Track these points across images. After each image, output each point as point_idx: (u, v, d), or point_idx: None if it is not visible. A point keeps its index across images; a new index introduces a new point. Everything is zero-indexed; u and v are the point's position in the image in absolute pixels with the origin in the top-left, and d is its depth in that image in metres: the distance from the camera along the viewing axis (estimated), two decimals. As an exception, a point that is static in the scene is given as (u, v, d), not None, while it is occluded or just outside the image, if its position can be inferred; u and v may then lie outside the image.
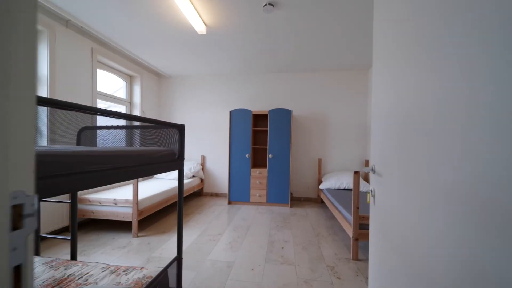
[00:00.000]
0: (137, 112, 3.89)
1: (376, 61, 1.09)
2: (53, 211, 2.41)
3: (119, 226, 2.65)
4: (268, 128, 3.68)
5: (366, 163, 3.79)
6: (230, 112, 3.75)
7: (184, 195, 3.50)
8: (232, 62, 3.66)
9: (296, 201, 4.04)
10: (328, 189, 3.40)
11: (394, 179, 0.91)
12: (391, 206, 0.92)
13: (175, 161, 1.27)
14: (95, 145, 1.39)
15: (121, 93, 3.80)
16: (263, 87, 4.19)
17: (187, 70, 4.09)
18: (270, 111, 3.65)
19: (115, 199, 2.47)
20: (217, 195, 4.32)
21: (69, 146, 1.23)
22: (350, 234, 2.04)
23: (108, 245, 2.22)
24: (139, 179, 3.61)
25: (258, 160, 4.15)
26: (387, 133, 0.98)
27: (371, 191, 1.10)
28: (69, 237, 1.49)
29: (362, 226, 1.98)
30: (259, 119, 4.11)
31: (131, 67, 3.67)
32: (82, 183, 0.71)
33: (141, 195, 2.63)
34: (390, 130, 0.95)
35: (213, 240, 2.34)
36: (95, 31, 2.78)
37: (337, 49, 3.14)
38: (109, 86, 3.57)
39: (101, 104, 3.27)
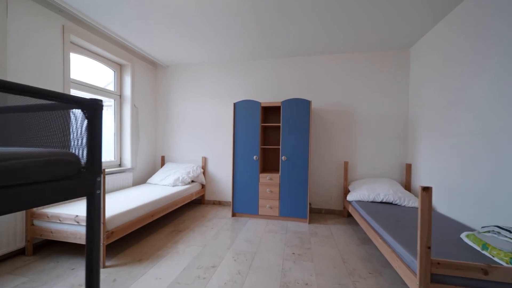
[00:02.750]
0: (127, 108, 3.33)
1: None
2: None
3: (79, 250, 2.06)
4: (280, 124, 2.95)
5: (408, 169, 2.94)
6: (234, 104, 3.07)
7: (180, 205, 2.89)
8: (236, 45, 2.98)
9: (316, 214, 3.27)
10: (359, 202, 2.61)
11: None
12: None
13: (77, 176, 0.61)
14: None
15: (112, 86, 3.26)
16: (273, 74, 3.47)
17: (185, 57, 3.47)
18: (283, 102, 2.93)
19: (77, 215, 1.88)
20: (220, 203, 3.67)
21: None
22: (411, 285, 1.27)
23: (62, 280, 1.63)
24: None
25: (269, 163, 3.43)
26: None
27: None
28: None
29: (436, 278, 1.20)
30: (270, 112, 3.39)
31: (120, 53, 3.12)
32: None
33: (114, 209, 2.03)
34: None
35: (202, 278, 1.66)
36: (66, 3, 2.23)
37: (367, 22, 2.35)
38: (101, 78, 3.04)
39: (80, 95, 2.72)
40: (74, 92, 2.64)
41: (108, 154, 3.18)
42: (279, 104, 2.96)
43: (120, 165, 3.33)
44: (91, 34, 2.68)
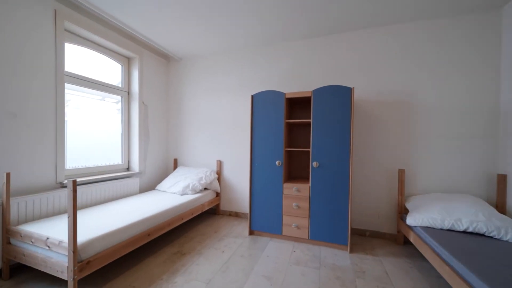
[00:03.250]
0: (136, 106, 2.99)
1: None
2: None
3: (60, 282, 1.65)
4: (311, 119, 2.28)
5: (502, 181, 2.02)
6: (252, 96, 2.49)
7: (188, 218, 2.42)
8: (258, 24, 2.39)
9: (358, 236, 2.51)
10: (429, 229, 1.81)
11: None
12: None
13: None
14: None
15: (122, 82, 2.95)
16: (301, 59, 2.80)
17: (200, 47, 3.01)
18: (315, 91, 2.25)
19: (48, 238, 1.48)
20: (237, 215, 3.12)
21: None
22: None
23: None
24: (101, 199, 2.65)
25: (296, 169, 2.77)
26: None
27: None
28: None
29: None
30: (297, 106, 2.73)
31: (127, 44, 2.78)
32: None
33: (96, 229, 1.60)
34: None
35: None
36: None
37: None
38: (110, 74, 2.74)
39: (76, 92, 2.42)
40: (71, 88, 2.33)
41: (114, 157, 2.87)
42: (309, 94, 2.29)
43: (128, 169, 3.00)
44: (90, 21, 2.35)
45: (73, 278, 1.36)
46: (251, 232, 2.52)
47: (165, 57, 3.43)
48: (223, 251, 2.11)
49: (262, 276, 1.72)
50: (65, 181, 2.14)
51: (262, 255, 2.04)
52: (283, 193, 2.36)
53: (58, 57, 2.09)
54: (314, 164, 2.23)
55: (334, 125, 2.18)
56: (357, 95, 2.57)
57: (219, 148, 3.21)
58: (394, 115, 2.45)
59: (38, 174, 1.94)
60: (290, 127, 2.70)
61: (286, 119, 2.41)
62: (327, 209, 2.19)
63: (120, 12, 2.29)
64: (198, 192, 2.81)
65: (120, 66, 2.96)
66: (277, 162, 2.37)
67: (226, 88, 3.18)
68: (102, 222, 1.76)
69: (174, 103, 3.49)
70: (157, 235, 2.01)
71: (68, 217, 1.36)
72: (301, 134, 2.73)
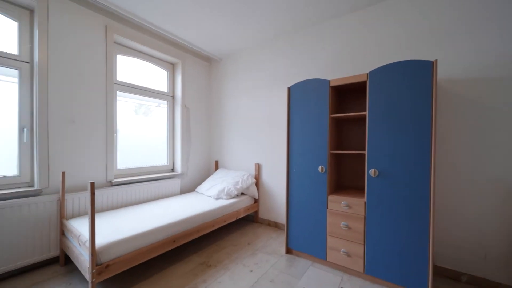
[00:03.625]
0: (179, 109, 3.09)
1: None
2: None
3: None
4: (366, 112, 1.70)
5: None
6: (289, 89, 2.10)
7: (220, 226, 2.27)
8: (291, 7, 2.01)
9: (449, 281, 1.71)
10: None
11: None
12: None
13: None
14: None
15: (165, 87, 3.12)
16: (352, 38, 2.20)
17: (238, 42, 2.85)
18: (371, 72, 1.67)
19: (79, 235, 1.55)
20: (276, 225, 2.75)
21: None
22: None
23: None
24: (143, 198, 2.69)
25: (347, 177, 2.18)
26: None
27: None
28: None
29: None
30: (349, 95, 2.15)
31: (170, 51, 2.89)
32: None
33: (118, 232, 1.58)
34: None
35: None
36: (109, 2, 2.11)
37: None
38: (157, 81, 2.96)
39: (126, 98, 2.63)
40: (121, 95, 2.55)
41: (160, 158, 3.03)
42: (364, 78, 1.71)
43: (172, 170, 3.12)
44: (136, 32, 2.52)
45: (92, 281, 1.35)
46: (288, 251, 2.11)
47: (206, 60, 3.45)
48: (252, 270, 1.80)
49: (291, 318, 1.31)
50: (114, 180, 2.33)
51: (298, 286, 1.62)
52: (327, 207, 1.86)
53: (108, 67, 2.31)
54: (372, 172, 1.64)
55: (403, 118, 1.54)
56: (440, 74, 1.78)
57: (257, 150, 2.94)
58: (505, 97, 1.55)
59: (91, 174, 2.16)
60: (338, 124, 2.15)
61: (332, 113, 1.90)
62: (394, 236, 1.56)
63: (162, 20, 2.38)
64: (233, 197, 2.62)
65: (166, 72, 3.12)
66: (319, 168, 1.89)
67: (262, 84, 2.88)
68: (130, 224, 1.77)
69: (215, 104, 3.45)
70: (183, 242, 1.90)
71: (89, 219, 1.37)
72: (356, 132, 2.13)
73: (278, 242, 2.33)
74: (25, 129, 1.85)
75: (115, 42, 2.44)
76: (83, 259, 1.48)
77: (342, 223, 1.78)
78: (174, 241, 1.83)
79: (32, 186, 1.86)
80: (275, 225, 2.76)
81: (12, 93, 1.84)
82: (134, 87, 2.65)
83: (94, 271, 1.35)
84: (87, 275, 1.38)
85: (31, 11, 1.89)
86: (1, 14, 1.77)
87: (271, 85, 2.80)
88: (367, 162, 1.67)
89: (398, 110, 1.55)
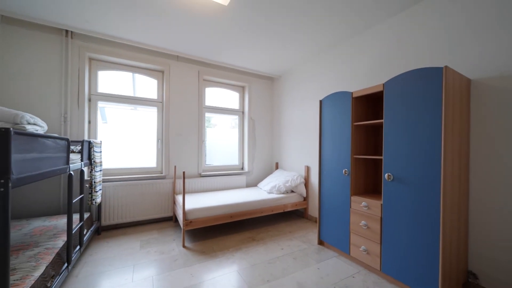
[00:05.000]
0: (246, 121, 3.98)
1: None
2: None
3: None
4: (383, 119, 1.82)
5: None
6: (321, 101, 2.43)
7: (266, 213, 2.90)
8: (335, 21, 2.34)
9: (494, 305, 1.50)
10: None
11: None
12: None
13: None
14: None
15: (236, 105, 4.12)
16: (396, 40, 2.21)
17: (287, 62, 3.41)
18: (387, 83, 1.79)
19: (179, 202, 2.63)
20: (322, 224, 3.00)
21: None
22: None
23: (167, 246, 2.38)
24: (219, 187, 3.60)
25: (371, 181, 2.21)
26: None
27: None
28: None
29: None
30: (375, 105, 2.20)
31: (241, 78, 3.85)
32: None
33: (196, 204, 2.53)
34: None
35: (210, 297, 1.54)
36: (201, 58, 3.30)
37: None
38: (228, 101, 4.04)
39: (210, 114, 3.77)
40: (207, 115, 3.71)
41: (233, 159, 4.02)
42: (381, 89, 1.84)
43: (242, 169, 4.03)
44: (218, 71, 3.61)
45: (182, 228, 2.34)
46: (320, 242, 2.41)
47: (268, 79, 4.18)
48: (283, 249, 2.29)
49: (296, 283, 1.73)
50: (202, 173, 3.46)
51: (314, 266, 1.96)
52: (350, 207, 2.05)
53: (200, 97, 3.49)
54: (386, 176, 1.74)
55: (415, 124, 1.59)
56: (472, 74, 1.59)
57: (307, 154, 3.31)
58: None
59: (189, 168, 3.36)
60: (364, 131, 2.23)
61: (355, 121, 2.09)
62: (407, 238, 1.61)
63: (233, 59, 3.35)
64: (282, 193, 3.15)
65: (238, 94, 4.10)
66: (343, 171, 2.12)
67: (310, 96, 3.24)
68: (206, 201, 2.71)
69: (276, 115, 4.10)
70: (237, 219, 2.65)
71: (182, 196, 2.37)
72: (377, 138, 2.14)
73: (317, 235, 2.64)
74: (159, 140, 3.25)
75: (204, 80, 3.63)
76: (180, 216, 2.53)
77: (362, 222, 1.93)
78: (231, 217, 2.62)
79: (161, 173, 3.22)
80: (320, 223, 3.02)
81: (153, 119, 3.28)
82: (217, 108, 3.77)
83: (184, 222, 2.34)
84: (181, 225, 2.39)
85: (162, 72, 3.29)
86: (148, 76, 3.24)
87: (316, 97, 3.13)
88: (383, 167, 1.78)
89: (411, 117, 1.61)
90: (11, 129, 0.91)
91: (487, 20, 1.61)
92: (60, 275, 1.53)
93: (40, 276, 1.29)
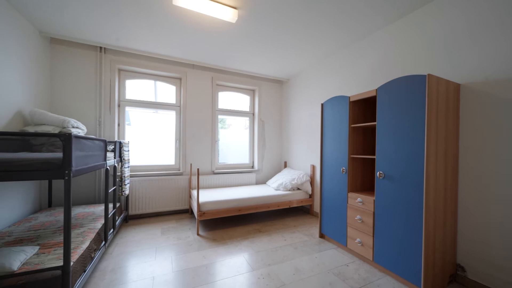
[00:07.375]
0: (256, 122, 4.24)
1: None
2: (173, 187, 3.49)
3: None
4: (376, 121, 1.97)
5: None
6: (322, 105, 2.62)
7: (273, 209, 3.12)
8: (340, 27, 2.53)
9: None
10: None
11: None
12: None
13: (53, 170, 1.23)
14: None
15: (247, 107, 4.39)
16: (395, 45, 2.33)
17: (297, 65, 3.61)
18: (379, 88, 1.94)
19: (194, 196, 2.95)
20: (326, 220, 3.17)
21: None
22: None
23: (184, 233, 2.71)
24: (231, 183, 3.87)
25: (367, 179, 2.33)
26: None
27: None
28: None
29: None
30: (369, 108, 2.34)
31: (250, 82, 4.12)
32: None
33: (208, 198, 2.84)
34: None
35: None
36: (214, 65, 3.62)
37: None
38: (239, 103, 4.33)
39: (222, 116, 4.08)
40: (220, 117, 4.02)
41: (244, 158, 4.29)
42: (374, 94, 1.99)
43: (252, 167, 4.30)
44: (230, 77, 3.91)
45: (197, 218, 2.65)
46: (321, 235, 2.59)
47: (278, 82, 4.39)
48: (285, 239, 2.51)
49: (293, 268, 1.95)
50: (215, 170, 3.78)
51: (312, 255, 2.17)
52: (347, 202, 2.23)
53: (213, 100, 3.81)
54: (378, 174, 1.90)
55: (403, 127, 1.73)
56: (463, 77, 1.69)
57: (313, 154, 3.49)
58: None
59: (203, 165, 3.69)
60: (362, 132, 2.37)
61: (352, 123, 2.25)
62: (395, 231, 1.76)
63: (244, 66, 3.61)
64: (288, 190, 3.36)
65: (248, 97, 4.37)
66: (341, 169, 2.29)
67: (315, 99, 3.41)
68: (218, 195, 3.01)
69: (285, 116, 4.31)
70: (245, 212, 2.92)
71: (197, 190, 2.69)
72: (375, 139, 2.28)
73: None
74: (177, 141, 3.62)
75: (217, 84, 3.94)
76: (195, 208, 2.85)
77: (357, 216, 2.10)
78: (239, 210, 2.89)
79: (179, 170, 3.58)
80: (324, 219, 3.20)
81: (172, 121, 3.65)
82: (228, 110, 4.06)
83: (198, 213, 2.65)
84: (196, 215, 2.71)
85: (180, 79, 3.65)
86: (168, 83, 3.61)
87: (321, 100, 3.30)
88: (376, 166, 1.94)
89: (399, 120, 1.75)
90: (72, 133, 1.24)
91: (475, 30, 1.71)
92: (99, 250, 1.90)
93: (86, 248, 1.65)
